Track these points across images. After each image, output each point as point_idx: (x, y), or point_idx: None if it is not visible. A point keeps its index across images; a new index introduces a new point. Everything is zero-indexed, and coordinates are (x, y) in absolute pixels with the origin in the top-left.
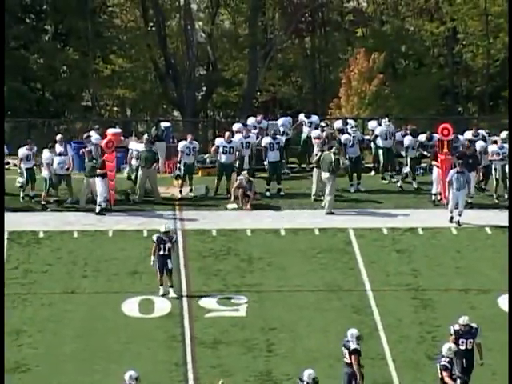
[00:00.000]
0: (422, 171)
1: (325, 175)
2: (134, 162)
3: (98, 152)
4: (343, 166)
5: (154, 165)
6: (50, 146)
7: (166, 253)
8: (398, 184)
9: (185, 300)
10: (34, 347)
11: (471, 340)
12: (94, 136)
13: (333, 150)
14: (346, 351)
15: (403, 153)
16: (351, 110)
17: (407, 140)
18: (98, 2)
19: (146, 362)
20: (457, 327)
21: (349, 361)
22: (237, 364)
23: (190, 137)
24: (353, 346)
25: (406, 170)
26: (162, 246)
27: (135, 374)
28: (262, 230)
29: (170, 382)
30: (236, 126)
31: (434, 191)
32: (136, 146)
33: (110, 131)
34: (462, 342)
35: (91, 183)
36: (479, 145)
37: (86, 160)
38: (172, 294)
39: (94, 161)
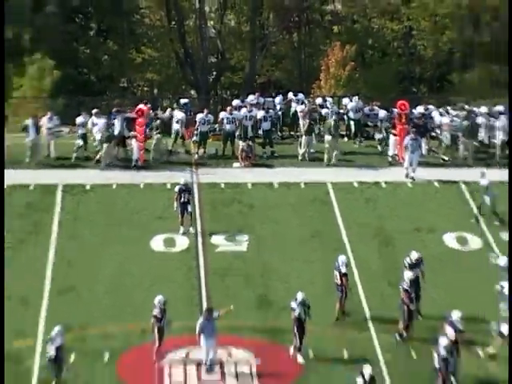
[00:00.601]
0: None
1: (327, 138)
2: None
3: (124, 124)
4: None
5: None
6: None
7: (186, 200)
8: (379, 148)
9: (199, 238)
10: (82, 273)
11: (419, 269)
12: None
13: (333, 117)
14: (337, 274)
15: (372, 123)
16: (329, 90)
17: (382, 113)
18: (132, 5)
19: (170, 288)
20: (408, 260)
21: (339, 282)
22: (240, 289)
23: (206, 111)
24: (343, 270)
25: (380, 136)
26: (182, 195)
27: (163, 298)
28: (260, 183)
29: (189, 304)
30: (234, 102)
31: (390, 153)
32: (179, 115)
33: (141, 106)
34: (414, 272)
35: (107, 147)
36: (437, 118)
37: (104, 129)
38: (191, 230)
39: (110, 130)
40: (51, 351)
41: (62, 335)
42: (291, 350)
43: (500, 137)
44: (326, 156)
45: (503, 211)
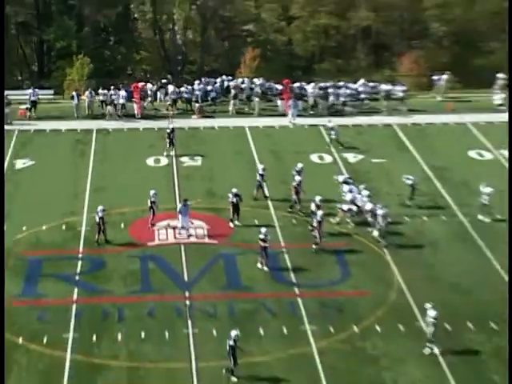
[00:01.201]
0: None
1: (245, 101)
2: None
3: (119, 96)
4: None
5: None
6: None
7: (171, 136)
8: (279, 108)
9: (174, 158)
10: (108, 179)
11: (301, 176)
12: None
13: (249, 89)
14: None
15: (271, 93)
16: (247, 74)
17: (277, 86)
18: (134, 25)
19: (158, 185)
20: (296, 168)
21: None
22: (197, 186)
23: (174, 86)
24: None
25: (277, 100)
26: (171, 134)
27: (155, 191)
28: (208, 127)
29: (169, 195)
30: (197, 82)
31: (280, 110)
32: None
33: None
34: (300, 176)
35: (110, 108)
36: (308, 89)
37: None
38: (172, 153)
39: (116, 98)
40: (97, 218)
41: (102, 211)
42: (230, 223)
43: (340, 99)
44: (246, 109)
45: (344, 141)
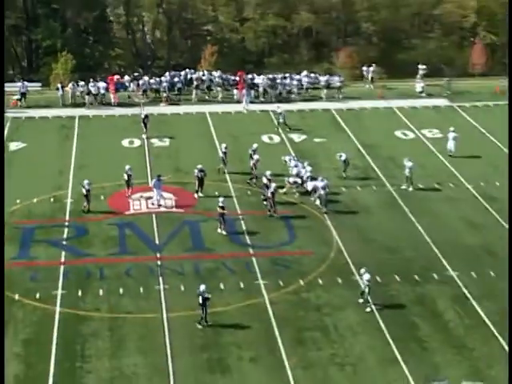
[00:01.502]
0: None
1: (206, 91)
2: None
3: (98, 87)
4: None
5: None
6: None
7: (144, 118)
8: (235, 96)
9: (146, 140)
10: (89, 157)
11: (257, 155)
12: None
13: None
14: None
15: (227, 83)
16: (205, 67)
17: (232, 77)
18: (110, 26)
19: (132, 163)
20: (253, 148)
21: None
22: (165, 163)
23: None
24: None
25: (234, 90)
26: (145, 119)
27: (130, 167)
28: (174, 113)
29: (143, 171)
30: (167, 74)
31: (236, 98)
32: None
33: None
34: (256, 155)
35: (89, 97)
36: (257, 80)
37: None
38: (143, 136)
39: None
40: (84, 191)
41: (88, 184)
42: (195, 194)
43: (286, 88)
44: (207, 97)
45: (290, 124)
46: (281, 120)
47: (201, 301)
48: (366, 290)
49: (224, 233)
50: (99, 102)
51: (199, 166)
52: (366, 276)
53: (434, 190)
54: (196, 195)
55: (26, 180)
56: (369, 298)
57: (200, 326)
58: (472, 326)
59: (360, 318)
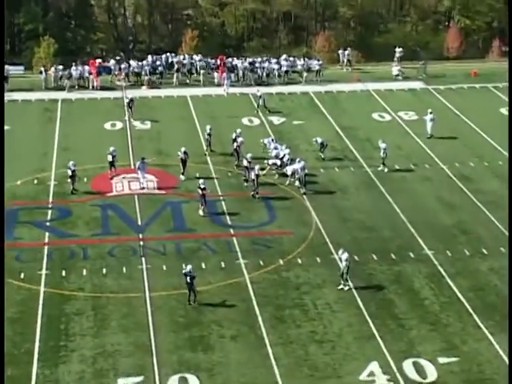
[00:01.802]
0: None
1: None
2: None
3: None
4: None
5: None
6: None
7: (129, 101)
8: (215, 80)
9: (128, 123)
10: (72, 140)
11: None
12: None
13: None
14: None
15: (209, 66)
16: (187, 51)
17: (212, 61)
18: (91, 11)
19: (115, 145)
20: (236, 133)
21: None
22: (147, 145)
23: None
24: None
25: (214, 73)
26: (130, 103)
27: (114, 148)
28: (155, 96)
29: (125, 153)
30: (149, 58)
31: (216, 81)
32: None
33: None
34: (240, 138)
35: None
36: (236, 63)
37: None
38: (127, 119)
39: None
40: (69, 172)
41: (74, 166)
42: (181, 176)
43: (265, 71)
44: (187, 81)
45: (270, 106)
46: (260, 103)
47: (189, 280)
48: (345, 270)
49: (203, 214)
50: (82, 85)
51: (183, 149)
52: (345, 255)
53: (410, 170)
54: (182, 177)
55: (9, 162)
56: (347, 277)
57: (192, 305)
58: (447, 303)
59: (338, 296)
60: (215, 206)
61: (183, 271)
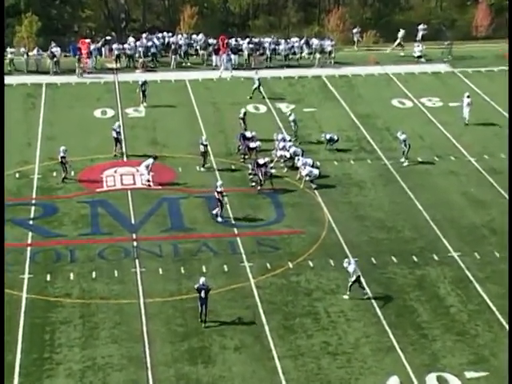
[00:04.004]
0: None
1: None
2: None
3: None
4: None
5: None
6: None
7: (142, 84)
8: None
9: (119, 110)
10: (57, 128)
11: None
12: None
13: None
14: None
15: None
16: (186, 30)
17: (212, 40)
18: None
19: (103, 134)
20: (241, 115)
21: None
22: (141, 134)
23: (117, 44)
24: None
25: (214, 56)
26: (141, 86)
27: (119, 123)
28: (151, 80)
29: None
30: (144, 36)
31: (213, 64)
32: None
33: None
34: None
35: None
36: (242, 44)
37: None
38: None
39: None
40: (59, 158)
41: (64, 152)
42: (201, 168)
43: (273, 53)
44: (186, 63)
45: (277, 92)
46: (255, 86)
47: (203, 295)
48: (351, 283)
49: (221, 220)
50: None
51: (203, 137)
52: (352, 267)
53: (434, 163)
54: (202, 169)
55: None
56: (361, 286)
57: (204, 325)
58: (475, 311)
59: (354, 303)
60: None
61: (195, 286)
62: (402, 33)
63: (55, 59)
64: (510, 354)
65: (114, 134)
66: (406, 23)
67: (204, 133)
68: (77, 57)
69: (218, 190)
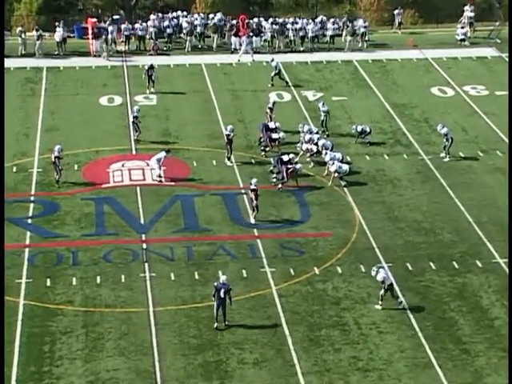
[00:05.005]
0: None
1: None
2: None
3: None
4: None
5: None
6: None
7: (148, 69)
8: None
9: (128, 97)
10: (59, 118)
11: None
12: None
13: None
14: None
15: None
16: (202, 10)
17: (233, 21)
18: None
19: (111, 124)
20: (270, 105)
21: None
22: (152, 125)
23: (127, 23)
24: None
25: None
26: (149, 70)
27: (138, 108)
28: (163, 65)
29: (122, 135)
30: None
31: (233, 47)
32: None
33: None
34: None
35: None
36: (265, 25)
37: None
38: (148, 91)
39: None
40: (52, 157)
41: (59, 151)
42: (226, 161)
43: (292, 36)
44: (201, 46)
45: (302, 78)
46: (274, 72)
47: (222, 295)
48: (383, 292)
49: (254, 222)
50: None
51: (229, 127)
52: (380, 276)
53: (478, 159)
54: (228, 162)
55: None
56: (394, 296)
57: (224, 324)
58: None
59: (387, 313)
60: (235, 200)
61: (215, 284)
62: (470, 9)
63: (58, 40)
64: (509, 355)
65: (131, 118)
66: (449, 1)
67: (221, 123)
68: (103, 37)
69: (252, 187)
